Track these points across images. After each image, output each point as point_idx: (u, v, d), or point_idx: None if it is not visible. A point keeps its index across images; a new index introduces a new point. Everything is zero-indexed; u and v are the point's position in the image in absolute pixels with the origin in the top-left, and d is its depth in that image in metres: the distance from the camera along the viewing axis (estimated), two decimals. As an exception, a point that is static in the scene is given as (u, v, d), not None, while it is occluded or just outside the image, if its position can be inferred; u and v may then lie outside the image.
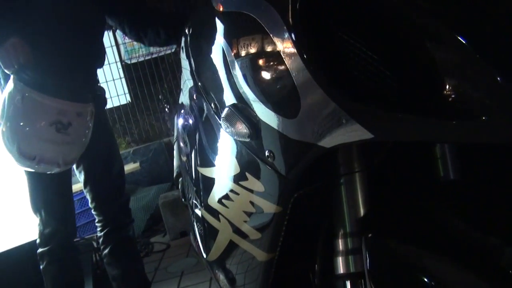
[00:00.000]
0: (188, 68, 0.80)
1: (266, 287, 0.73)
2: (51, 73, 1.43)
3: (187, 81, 0.84)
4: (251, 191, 0.64)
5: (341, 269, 0.64)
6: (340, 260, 0.64)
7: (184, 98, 0.93)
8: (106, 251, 1.83)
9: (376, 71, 0.47)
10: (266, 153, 0.58)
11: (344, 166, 0.63)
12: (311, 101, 0.49)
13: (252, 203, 0.65)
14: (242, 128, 0.58)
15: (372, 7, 0.46)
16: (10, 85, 1.38)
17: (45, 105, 1.37)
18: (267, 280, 0.72)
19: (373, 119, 0.46)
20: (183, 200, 1.82)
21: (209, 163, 0.76)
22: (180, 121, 0.98)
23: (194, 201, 0.97)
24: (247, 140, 0.59)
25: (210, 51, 0.64)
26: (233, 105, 0.60)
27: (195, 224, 1.04)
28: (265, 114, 0.55)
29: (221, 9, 0.60)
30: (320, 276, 0.69)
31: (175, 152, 2.10)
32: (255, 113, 0.57)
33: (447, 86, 0.43)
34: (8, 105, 1.36)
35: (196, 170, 0.86)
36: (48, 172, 1.48)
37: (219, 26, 0.60)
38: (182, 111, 0.95)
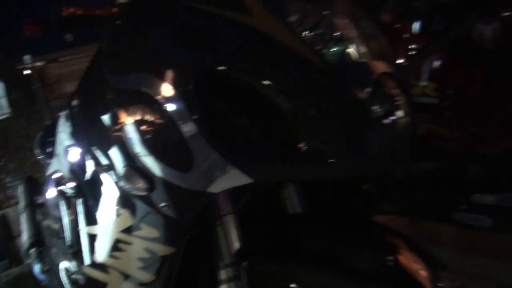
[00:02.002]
0: (70, 134, 0.87)
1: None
2: None
3: (67, 148, 0.90)
4: (145, 238, 0.74)
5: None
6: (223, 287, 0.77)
7: (60, 164, 0.98)
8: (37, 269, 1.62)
9: (250, 136, 0.64)
10: (162, 204, 0.70)
11: (218, 210, 0.78)
12: (203, 157, 0.64)
13: (146, 249, 0.75)
14: (141, 184, 0.70)
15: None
16: None
17: None
18: None
19: (250, 167, 0.63)
20: (38, 271, 1.75)
21: (95, 221, 0.84)
22: (50, 189, 1.02)
23: (69, 265, 1.00)
24: (145, 193, 0.71)
25: (103, 120, 0.75)
26: (129, 165, 0.71)
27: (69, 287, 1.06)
28: (161, 170, 0.68)
29: (117, 86, 0.72)
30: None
31: (25, 223, 1.99)
32: (151, 170, 0.69)
33: (303, 144, 0.63)
34: None
35: (77, 231, 0.91)
36: None
37: (116, 99, 0.72)
38: (54, 176, 0.99)
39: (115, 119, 0.72)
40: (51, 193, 1.14)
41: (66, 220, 1.03)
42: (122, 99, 0.71)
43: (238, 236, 0.78)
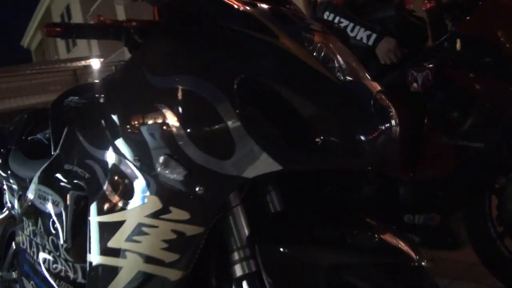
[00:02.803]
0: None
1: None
2: None
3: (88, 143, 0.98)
4: (173, 221, 0.84)
5: (237, 273, 0.88)
6: (236, 267, 0.89)
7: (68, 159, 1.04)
8: None
9: (279, 131, 0.79)
10: (198, 188, 0.82)
11: (229, 202, 0.91)
12: (242, 147, 0.77)
13: (173, 230, 0.85)
14: (180, 170, 0.81)
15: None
16: None
17: None
18: None
19: (280, 156, 0.78)
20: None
21: (115, 209, 0.92)
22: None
23: (54, 258, 1.07)
24: (181, 179, 0.82)
25: (142, 114, 0.85)
26: (168, 154, 0.82)
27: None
28: (201, 158, 0.80)
29: (160, 85, 0.84)
30: (218, 283, 0.92)
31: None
32: (190, 158, 0.80)
33: (319, 139, 0.79)
34: None
35: (77, 224, 0.98)
36: None
37: (159, 97, 0.83)
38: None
39: (156, 114, 0.83)
40: (40, 192, 1.19)
41: (63, 215, 1.09)
42: (166, 96, 0.83)
43: (247, 224, 0.91)
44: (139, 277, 0.91)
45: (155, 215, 0.86)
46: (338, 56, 0.89)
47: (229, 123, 0.77)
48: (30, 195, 1.27)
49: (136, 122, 0.87)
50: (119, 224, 0.91)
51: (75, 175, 1.04)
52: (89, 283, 1.01)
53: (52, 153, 1.32)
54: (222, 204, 0.84)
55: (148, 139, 0.85)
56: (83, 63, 8.64)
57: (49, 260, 1.18)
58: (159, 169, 0.83)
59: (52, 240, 1.15)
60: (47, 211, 1.15)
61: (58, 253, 1.14)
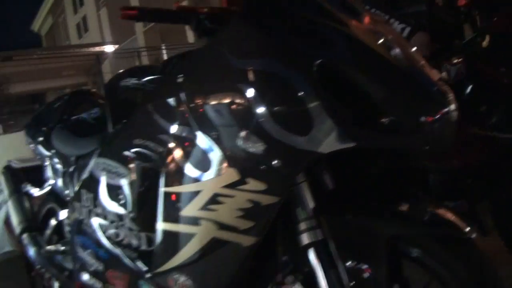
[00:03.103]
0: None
1: (243, 269, 0.99)
2: None
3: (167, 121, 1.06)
4: (250, 191, 0.92)
5: (304, 242, 0.97)
6: (303, 236, 0.97)
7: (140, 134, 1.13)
8: None
9: (352, 111, 0.87)
10: (275, 161, 0.89)
11: (298, 178, 0.98)
12: (320, 124, 0.85)
13: (249, 200, 0.92)
14: (260, 144, 0.88)
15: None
16: None
17: None
18: (246, 262, 0.98)
19: (354, 133, 0.85)
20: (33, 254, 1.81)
21: (190, 180, 1.00)
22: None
23: (129, 226, 1.15)
24: (261, 153, 0.89)
25: (224, 93, 0.93)
26: (249, 129, 0.89)
27: (122, 250, 1.19)
28: (281, 134, 0.87)
29: (242, 67, 0.91)
30: (284, 251, 1.00)
31: (12, 210, 2.02)
32: (270, 134, 0.88)
33: (389, 120, 0.86)
34: None
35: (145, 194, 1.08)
36: None
37: (242, 77, 0.90)
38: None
39: (238, 93, 0.91)
40: (104, 165, 1.27)
41: (130, 187, 1.17)
42: (249, 77, 0.90)
43: (312, 198, 0.99)
44: (212, 243, 0.99)
45: (232, 185, 0.94)
46: (400, 45, 0.96)
47: (309, 102, 0.85)
48: (91, 168, 1.35)
49: (217, 100, 0.95)
50: (194, 194, 0.99)
51: (146, 149, 1.11)
52: (159, 249, 1.09)
53: (109, 130, 1.40)
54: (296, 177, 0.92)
55: (229, 116, 0.93)
56: (97, 48, 8.69)
57: (111, 229, 1.26)
58: (239, 143, 0.91)
59: (117, 210, 1.22)
60: (113, 183, 1.23)
61: (121, 223, 1.22)
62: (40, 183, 2.25)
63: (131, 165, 1.17)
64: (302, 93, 0.85)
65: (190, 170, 1.00)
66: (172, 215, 1.05)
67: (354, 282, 0.94)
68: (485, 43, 1.85)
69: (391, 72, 0.90)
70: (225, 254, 0.99)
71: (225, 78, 0.94)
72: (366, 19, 0.99)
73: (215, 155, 0.96)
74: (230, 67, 0.93)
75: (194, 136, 0.99)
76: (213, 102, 0.95)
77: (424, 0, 2.11)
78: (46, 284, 2.22)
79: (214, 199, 0.96)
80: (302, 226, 0.97)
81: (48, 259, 1.86)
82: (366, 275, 0.94)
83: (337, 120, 0.85)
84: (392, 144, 0.90)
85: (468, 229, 0.92)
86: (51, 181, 1.96)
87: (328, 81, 0.87)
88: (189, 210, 1.00)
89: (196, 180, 0.99)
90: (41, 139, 2.00)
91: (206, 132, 0.97)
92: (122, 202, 1.21)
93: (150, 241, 1.17)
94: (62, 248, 1.84)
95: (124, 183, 1.19)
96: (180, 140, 1.02)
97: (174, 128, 1.04)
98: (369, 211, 0.97)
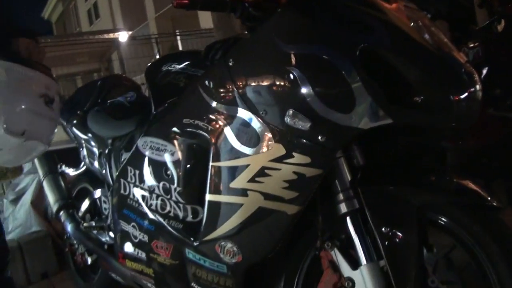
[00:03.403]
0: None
1: (286, 235, 1.10)
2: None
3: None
4: (295, 164, 1.02)
5: (342, 210, 1.07)
6: (341, 205, 1.07)
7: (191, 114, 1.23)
8: None
9: (390, 91, 0.96)
10: (320, 136, 0.99)
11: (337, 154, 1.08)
12: (362, 103, 0.94)
13: (295, 172, 1.03)
14: (306, 122, 0.98)
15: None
16: None
17: (33, 77, 1.37)
18: (289, 229, 1.09)
19: (392, 111, 0.95)
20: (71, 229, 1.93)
21: (239, 155, 1.10)
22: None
23: (175, 200, 1.26)
24: (307, 129, 0.99)
25: (273, 75, 1.03)
26: (296, 108, 0.99)
27: (174, 222, 1.30)
28: (326, 112, 0.97)
29: (291, 52, 1.01)
30: (323, 219, 1.10)
31: (48, 188, 2.13)
32: (316, 112, 0.98)
33: (422, 98, 0.96)
34: None
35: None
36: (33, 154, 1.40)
37: (291, 61, 1.00)
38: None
39: (287, 75, 1.00)
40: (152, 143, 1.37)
41: (178, 163, 1.28)
42: (297, 61, 1.00)
43: (349, 171, 1.09)
44: (259, 212, 1.10)
45: (279, 159, 1.04)
46: (430, 30, 1.05)
47: (352, 83, 0.94)
48: (137, 147, 1.46)
49: (267, 82, 1.05)
50: (243, 168, 1.10)
51: (195, 127, 1.21)
52: (207, 219, 1.20)
53: (153, 111, 1.50)
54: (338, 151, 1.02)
55: (278, 96, 1.03)
56: (111, 35, 8.77)
57: (157, 202, 1.37)
58: (287, 120, 1.01)
59: (164, 185, 1.33)
60: (160, 159, 1.33)
61: (168, 196, 1.33)
62: (72, 164, 2.36)
63: (179, 143, 1.28)
64: (346, 74, 0.95)
65: (239, 146, 1.10)
66: (221, 188, 1.15)
67: (387, 247, 1.04)
68: (500, 27, 1.92)
69: (424, 55, 0.99)
70: (270, 222, 1.10)
71: (275, 61, 1.04)
72: (401, 5, 1.08)
73: (263, 131, 1.06)
74: (279, 52, 1.03)
75: (244, 115, 1.09)
76: (263, 84, 1.05)
77: None
78: (78, 259, 2.35)
79: (262, 172, 1.07)
80: (340, 196, 1.08)
81: (86, 235, 1.98)
82: (397, 240, 1.05)
83: (377, 99, 0.94)
84: (424, 121, 1.00)
85: (490, 198, 1.02)
86: (87, 161, 2.07)
87: (369, 63, 0.96)
88: (237, 182, 1.11)
89: (245, 154, 1.09)
90: (75, 122, 2.11)
91: (255, 111, 1.07)
92: (169, 177, 1.31)
93: (196, 213, 1.28)
94: (99, 224, 1.96)
95: (172, 159, 1.30)
96: (230, 119, 1.13)
97: (223, 108, 1.14)
98: (400, 182, 1.07)
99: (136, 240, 1.48)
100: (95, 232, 2.01)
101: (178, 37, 7.86)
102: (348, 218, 1.07)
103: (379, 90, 0.95)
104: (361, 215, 1.07)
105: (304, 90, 0.99)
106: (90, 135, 2.02)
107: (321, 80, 0.98)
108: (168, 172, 1.31)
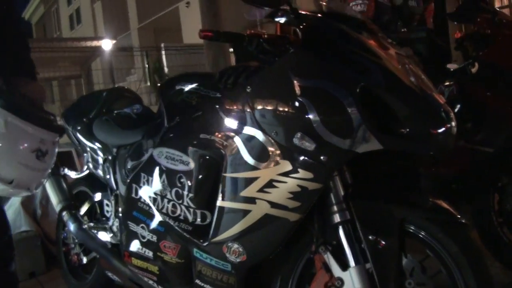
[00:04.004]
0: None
1: (287, 238, 1.28)
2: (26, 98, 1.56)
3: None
4: (300, 178, 1.21)
5: (335, 220, 1.26)
6: (334, 216, 1.27)
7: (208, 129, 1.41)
8: None
9: (381, 123, 1.17)
10: (323, 157, 1.19)
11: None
12: (359, 131, 1.15)
13: (299, 185, 1.22)
14: (311, 143, 1.18)
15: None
16: None
17: (29, 132, 1.48)
18: (289, 233, 1.27)
19: (382, 139, 1.15)
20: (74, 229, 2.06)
21: (250, 168, 1.28)
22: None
23: (186, 205, 1.43)
24: (311, 150, 1.18)
25: (285, 103, 1.22)
26: (303, 131, 1.19)
27: (182, 224, 1.47)
28: (328, 136, 1.17)
29: (301, 83, 1.20)
30: (319, 228, 1.29)
31: (51, 189, 2.26)
32: (320, 136, 1.17)
33: (408, 130, 1.17)
34: None
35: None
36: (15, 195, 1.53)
37: (300, 92, 1.20)
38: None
39: (298, 103, 1.20)
40: (168, 154, 1.54)
41: (191, 172, 1.45)
42: (307, 92, 1.20)
43: (343, 186, 1.29)
44: (264, 218, 1.28)
45: (286, 174, 1.23)
46: (416, 74, 1.27)
47: (351, 114, 1.15)
48: (151, 155, 1.62)
49: (279, 107, 1.24)
50: (253, 179, 1.28)
51: (211, 142, 1.39)
52: (217, 222, 1.37)
53: (166, 125, 1.67)
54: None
55: (288, 120, 1.23)
56: (94, 43, 8.86)
57: (168, 206, 1.53)
58: (295, 141, 1.20)
59: (176, 191, 1.50)
60: (175, 168, 1.50)
61: (180, 201, 1.49)
62: (71, 167, 2.50)
63: (194, 155, 1.45)
64: (347, 107, 1.15)
65: (251, 160, 1.29)
66: (231, 195, 1.33)
67: (372, 252, 1.23)
68: (474, 70, 2.18)
69: (410, 95, 1.20)
70: (274, 227, 1.28)
71: (288, 91, 1.23)
72: (393, 52, 1.29)
73: (273, 149, 1.25)
74: (292, 83, 1.23)
75: (257, 134, 1.28)
76: (276, 109, 1.25)
77: (424, 28, 2.45)
78: (73, 259, 2.47)
79: (270, 184, 1.25)
80: (334, 208, 1.27)
81: (89, 234, 2.11)
82: (381, 247, 1.24)
83: (371, 128, 1.15)
84: (408, 148, 1.20)
85: (460, 216, 1.23)
86: (91, 166, 2.21)
87: (366, 99, 1.17)
88: (247, 192, 1.29)
89: (256, 168, 1.28)
90: (80, 128, 2.25)
91: (267, 131, 1.26)
92: (182, 184, 1.48)
93: (204, 217, 1.45)
94: (102, 225, 2.10)
95: (186, 168, 1.47)
96: (244, 137, 1.31)
97: (240, 127, 1.33)
98: (384, 198, 1.27)
99: (144, 240, 1.63)
100: (94, 232, 2.15)
101: (163, 51, 8.06)
102: (340, 227, 1.27)
103: (373, 122, 1.16)
104: (351, 225, 1.26)
105: (311, 117, 1.18)
106: (95, 142, 2.16)
107: (326, 109, 1.18)
108: (182, 180, 1.48)
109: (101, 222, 2.16)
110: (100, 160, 2.15)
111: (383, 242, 1.24)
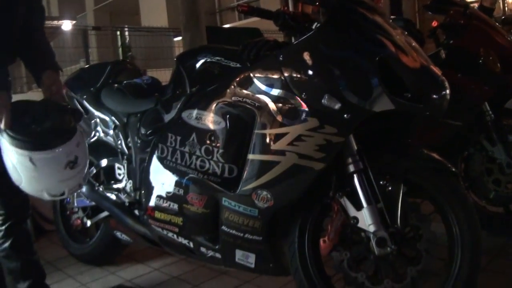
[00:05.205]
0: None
1: (309, 186, 1.52)
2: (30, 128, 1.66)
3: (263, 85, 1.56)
4: (325, 133, 1.45)
5: (351, 170, 1.52)
6: (350, 166, 1.52)
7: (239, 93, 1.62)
8: (6, 244, 1.90)
9: (394, 88, 1.43)
10: (345, 114, 1.43)
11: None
12: (377, 93, 1.40)
13: (324, 139, 1.46)
14: (337, 103, 1.42)
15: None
16: (7, 150, 1.62)
17: (54, 157, 1.65)
18: (313, 180, 1.51)
19: (395, 100, 1.42)
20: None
21: (281, 125, 1.51)
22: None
23: (216, 160, 1.64)
24: (337, 108, 1.43)
25: (315, 69, 1.46)
26: (331, 93, 1.43)
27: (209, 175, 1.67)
28: (351, 97, 1.42)
29: (329, 53, 1.44)
30: (336, 177, 1.54)
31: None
32: (345, 97, 1.42)
33: (412, 94, 1.44)
34: (21, 170, 1.63)
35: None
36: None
37: (329, 59, 1.44)
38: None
39: (328, 69, 1.44)
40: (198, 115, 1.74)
41: (222, 131, 1.66)
42: (336, 61, 1.44)
43: (356, 142, 1.54)
44: (293, 167, 1.51)
45: (313, 129, 1.47)
46: (418, 50, 1.54)
47: (371, 79, 1.40)
48: (179, 116, 1.81)
49: (311, 73, 1.48)
50: (283, 134, 1.51)
51: (243, 103, 1.60)
52: (248, 172, 1.59)
53: (188, 91, 1.86)
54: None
55: (318, 84, 1.46)
56: (55, 23, 8.65)
57: (196, 162, 1.73)
58: (323, 102, 1.44)
59: (206, 148, 1.70)
60: (205, 128, 1.70)
61: (210, 157, 1.69)
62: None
63: (225, 115, 1.65)
64: (368, 73, 1.41)
65: (281, 118, 1.52)
66: (262, 149, 1.55)
67: (382, 194, 1.50)
68: (443, 55, 2.50)
69: (415, 66, 1.47)
70: (300, 175, 1.52)
71: (317, 60, 1.47)
72: (401, 31, 1.56)
73: (302, 108, 1.48)
74: (321, 53, 1.47)
75: (288, 96, 1.51)
76: (307, 74, 1.48)
77: (402, 18, 2.75)
78: (75, 223, 2.60)
79: (298, 138, 1.49)
80: (350, 160, 1.53)
81: (102, 195, 2.27)
82: (390, 189, 1.51)
83: (387, 91, 1.40)
84: (413, 109, 1.47)
85: (450, 165, 1.52)
86: (101, 133, 2.36)
87: (382, 68, 1.42)
88: (278, 145, 1.52)
89: (285, 125, 1.51)
90: (87, 96, 2.39)
91: (298, 94, 1.49)
92: (211, 141, 1.68)
93: (231, 170, 1.66)
94: (115, 186, 2.26)
95: (217, 127, 1.67)
96: (275, 98, 1.53)
97: (270, 90, 1.55)
98: (391, 150, 1.54)
99: (170, 194, 1.81)
100: (111, 192, 2.29)
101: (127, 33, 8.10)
102: (355, 175, 1.52)
103: (388, 86, 1.41)
104: (365, 173, 1.52)
105: (338, 81, 1.43)
106: (104, 110, 2.31)
107: (350, 75, 1.43)
108: (213, 138, 1.68)
109: (111, 185, 2.31)
110: (111, 127, 2.30)
111: (391, 187, 1.51)
